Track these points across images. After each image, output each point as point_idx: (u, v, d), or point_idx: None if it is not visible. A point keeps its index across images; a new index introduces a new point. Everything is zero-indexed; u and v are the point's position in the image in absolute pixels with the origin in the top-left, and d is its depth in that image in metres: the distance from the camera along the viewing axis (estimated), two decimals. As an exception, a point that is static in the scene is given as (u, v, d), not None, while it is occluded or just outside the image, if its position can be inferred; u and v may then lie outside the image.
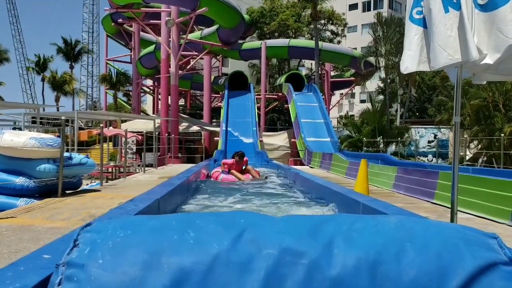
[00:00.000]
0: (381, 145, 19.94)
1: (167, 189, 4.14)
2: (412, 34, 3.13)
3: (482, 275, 1.20)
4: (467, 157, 20.12)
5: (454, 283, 1.18)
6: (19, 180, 6.67)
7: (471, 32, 2.72)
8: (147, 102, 56.32)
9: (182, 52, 26.50)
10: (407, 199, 7.87)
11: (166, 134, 20.24)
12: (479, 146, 19.59)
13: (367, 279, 1.17)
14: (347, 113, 54.20)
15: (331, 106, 38.99)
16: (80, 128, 39.51)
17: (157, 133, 16.61)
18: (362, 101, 52.52)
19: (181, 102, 41.23)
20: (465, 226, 1.39)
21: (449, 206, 6.57)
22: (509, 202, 5.48)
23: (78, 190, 7.94)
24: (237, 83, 29.61)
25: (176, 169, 15.06)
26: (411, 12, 3.17)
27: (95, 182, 10.41)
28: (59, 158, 6.90)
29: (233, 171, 11.08)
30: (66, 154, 7.31)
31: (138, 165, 22.55)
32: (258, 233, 1.24)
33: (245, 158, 11.58)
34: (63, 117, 6.97)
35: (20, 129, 25.71)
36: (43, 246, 2.88)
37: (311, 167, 17.83)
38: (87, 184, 11.62)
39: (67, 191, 7.56)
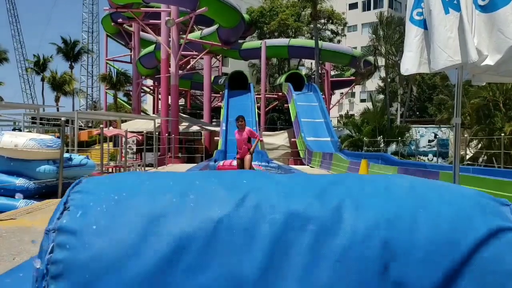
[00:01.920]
0: (382, 145, 19.92)
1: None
2: (413, 36, 3.12)
3: (492, 244, 1.18)
4: (467, 156, 20.11)
5: (465, 251, 1.16)
6: (19, 182, 6.66)
7: (470, 34, 2.71)
8: (147, 102, 56.34)
9: (182, 52, 26.48)
10: (407, 199, 7.86)
11: (166, 134, 20.22)
12: (479, 145, 19.58)
13: (378, 248, 1.13)
14: (347, 112, 54.18)
15: (331, 106, 38.98)
16: (80, 128, 39.51)
17: (157, 133, 16.57)
18: (362, 100, 52.50)
19: (181, 102, 41.23)
20: (478, 192, 1.35)
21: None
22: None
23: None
24: (237, 83, 29.60)
25: (176, 169, 15.09)
26: (412, 13, 3.16)
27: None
28: (59, 159, 6.89)
29: (237, 160, 10.46)
30: (66, 155, 7.30)
31: (139, 165, 22.57)
32: (263, 196, 1.18)
33: (246, 128, 10.23)
34: (63, 118, 6.96)
35: (20, 129, 25.73)
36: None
37: (311, 167, 17.82)
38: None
39: (67, 192, 7.55)
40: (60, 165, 6.85)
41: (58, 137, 7.58)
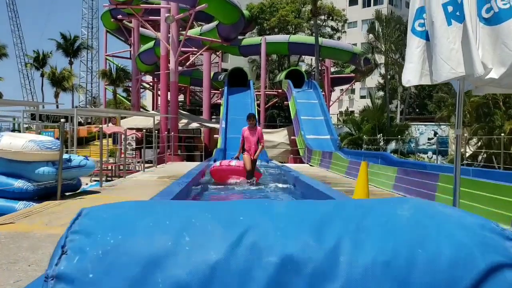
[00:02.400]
0: (381, 143, 19.91)
1: (166, 199, 4.07)
2: (414, 47, 3.09)
3: (493, 282, 1.16)
4: (467, 154, 20.11)
5: None
6: (18, 183, 6.63)
7: (476, 46, 2.68)
8: (147, 98, 56.28)
9: (182, 49, 26.41)
10: (407, 201, 7.85)
11: (166, 133, 20.18)
12: (479, 143, 19.59)
13: None
14: (347, 109, 54.12)
15: (331, 102, 38.92)
16: (80, 124, 39.50)
17: (156, 131, 16.52)
18: (362, 97, 52.42)
19: (181, 98, 41.17)
20: (480, 222, 1.31)
21: (450, 209, 6.57)
22: (510, 207, 5.46)
23: (77, 192, 7.92)
24: (237, 80, 29.51)
25: (176, 168, 15.04)
26: (413, 24, 3.13)
27: (94, 182, 10.36)
28: (58, 160, 6.87)
29: (245, 156, 9.96)
30: (65, 156, 7.28)
31: (138, 162, 22.56)
32: (259, 235, 1.18)
33: (258, 128, 10.24)
34: (62, 120, 6.93)
35: (19, 127, 25.68)
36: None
37: (311, 165, 17.81)
38: (86, 184, 11.58)
39: (67, 193, 7.54)
40: (59, 167, 6.82)
41: (58, 138, 7.54)
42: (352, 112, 53.41)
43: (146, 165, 15.97)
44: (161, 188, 8.72)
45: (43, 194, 6.94)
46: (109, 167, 18.21)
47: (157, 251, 1.11)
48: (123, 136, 19.42)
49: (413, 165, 11.78)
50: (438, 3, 2.88)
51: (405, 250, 1.17)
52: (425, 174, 8.05)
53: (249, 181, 10.01)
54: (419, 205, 1.38)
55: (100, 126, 12.14)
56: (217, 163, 10.83)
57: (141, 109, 40.45)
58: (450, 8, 2.88)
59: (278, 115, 39.04)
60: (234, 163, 10.40)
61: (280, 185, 10.00)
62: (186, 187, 5.77)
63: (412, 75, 3.07)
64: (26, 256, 3.75)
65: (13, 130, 34.66)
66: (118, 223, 1.19)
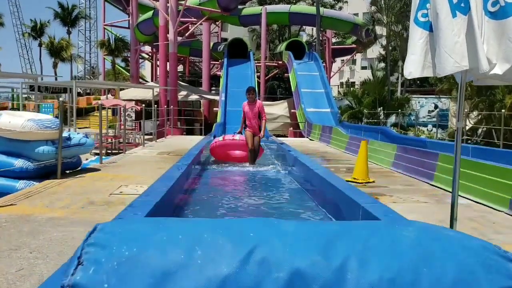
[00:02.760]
0: (382, 116, 19.86)
1: (167, 186, 4.08)
2: (417, 38, 3.03)
3: None
4: (467, 127, 20.08)
5: None
6: (18, 163, 6.65)
7: (481, 41, 2.63)
8: (146, 67, 55.82)
9: (181, 19, 25.99)
10: (406, 180, 7.89)
11: (165, 107, 20.07)
12: (480, 116, 19.52)
13: None
14: (348, 80, 53.77)
15: (332, 73, 38.62)
16: (79, 95, 39.31)
17: (156, 105, 16.42)
18: (364, 68, 51.99)
19: (180, 68, 40.83)
20: (485, 245, 1.34)
21: (448, 189, 6.61)
22: (509, 189, 5.48)
23: (77, 169, 7.94)
24: (237, 51, 29.16)
25: (175, 142, 15.04)
26: (416, 14, 3.05)
27: (94, 157, 10.35)
28: (57, 139, 6.86)
29: (246, 132, 9.68)
30: (65, 134, 7.27)
31: (138, 134, 22.58)
32: (268, 252, 1.22)
33: (258, 102, 9.86)
34: (61, 98, 6.88)
35: (18, 109, 25.53)
36: (51, 275, 2.87)
37: (310, 139, 17.82)
38: (87, 159, 11.60)
39: (67, 171, 7.56)
40: (59, 146, 6.82)
41: (57, 116, 7.51)
42: (353, 83, 53.08)
43: (146, 137, 15.97)
44: (161, 166, 8.75)
45: (43, 173, 6.96)
46: (109, 140, 18.25)
47: (170, 264, 1.15)
48: (122, 109, 19.37)
49: (413, 141, 11.77)
50: (443, -6, 2.81)
51: (411, 268, 1.20)
52: (424, 153, 8.05)
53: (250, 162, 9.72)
54: (423, 228, 1.41)
55: (99, 99, 12.05)
56: (220, 138, 10.40)
57: (140, 79, 40.18)
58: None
59: (278, 86, 38.69)
60: (238, 137, 10.05)
61: (280, 169, 9.63)
62: (186, 171, 5.79)
63: (414, 67, 3.02)
64: (27, 242, 3.78)
65: (12, 100, 34.54)
66: (133, 237, 1.23)
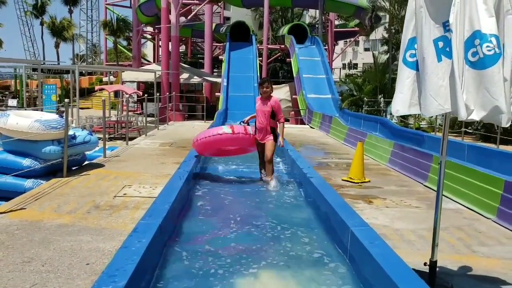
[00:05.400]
0: (382, 104, 19.99)
1: (169, 203, 4.26)
2: (405, 77, 3.21)
3: None
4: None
5: None
6: (26, 162, 6.89)
7: (461, 90, 2.81)
8: (148, 46, 55.57)
9: (183, 1, 25.89)
10: (401, 179, 8.12)
11: (167, 93, 20.19)
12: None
13: None
14: (351, 61, 53.61)
15: (334, 55, 38.49)
16: (81, 74, 39.34)
17: (158, 93, 16.53)
18: (366, 49, 51.76)
19: (182, 49, 40.69)
20: None
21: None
22: (497, 198, 5.71)
23: (83, 165, 8.19)
24: (239, 34, 29.06)
25: (177, 130, 15.21)
26: (405, 54, 3.23)
27: (98, 147, 10.44)
28: (63, 139, 7.09)
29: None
30: (70, 132, 7.48)
31: (139, 114, 22.79)
32: None
33: (273, 99, 7.24)
34: (66, 100, 7.08)
35: (19, 97, 25.60)
36: None
37: (311, 127, 18.02)
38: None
39: (73, 168, 7.83)
40: (64, 145, 7.07)
41: (62, 115, 7.72)
42: (356, 64, 52.89)
43: (149, 119, 16.20)
44: (163, 160, 9.01)
45: (50, 172, 7.21)
46: (112, 125, 18.48)
47: None
48: (124, 95, 19.53)
49: (411, 134, 11.94)
50: (429, 38, 2.98)
51: None
52: (419, 153, 8.24)
53: (263, 176, 7.38)
54: None
55: (101, 80, 12.20)
56: (224, 128, 7.80)
57: (142, 59, 40.12)
58: (440, 44, 2.99)
59: (281, 68, 38.56)
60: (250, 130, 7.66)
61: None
62: (187, 180, 5.93)
63: (402, 105, 3.21)
64: (39, 253, 4.04)
65: (15, 79, 34.58)
66: None
